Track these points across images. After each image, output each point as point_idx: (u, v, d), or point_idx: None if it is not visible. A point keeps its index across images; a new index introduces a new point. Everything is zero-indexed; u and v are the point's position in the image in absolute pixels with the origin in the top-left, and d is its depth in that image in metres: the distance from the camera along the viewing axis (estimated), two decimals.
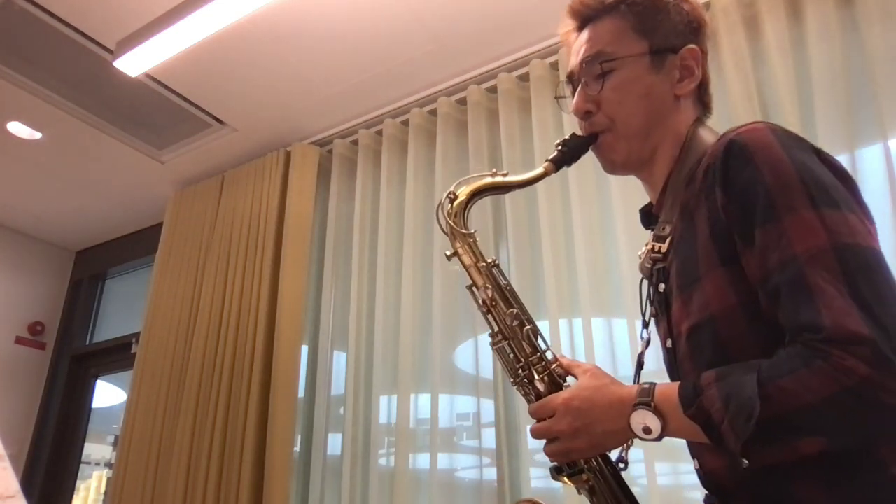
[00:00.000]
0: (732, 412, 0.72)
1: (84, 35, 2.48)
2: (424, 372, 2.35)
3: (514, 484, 2.08)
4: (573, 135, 1.04)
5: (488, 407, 2.19)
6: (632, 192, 2.02)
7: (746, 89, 1.94)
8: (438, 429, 2.24)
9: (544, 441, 0.92)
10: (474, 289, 1.03)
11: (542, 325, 2.14)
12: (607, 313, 2.04)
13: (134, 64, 2.45)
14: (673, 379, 0.94)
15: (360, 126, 2.88)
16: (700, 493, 0.96)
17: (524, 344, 0.99)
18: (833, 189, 0.78)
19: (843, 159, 1.74)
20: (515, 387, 1.00)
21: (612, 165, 1.04)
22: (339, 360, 2.65)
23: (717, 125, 1.05)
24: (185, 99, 2.82)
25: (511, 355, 1.00)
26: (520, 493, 2.04)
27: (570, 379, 0.97)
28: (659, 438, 0.81)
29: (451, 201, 1.04)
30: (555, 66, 2.39)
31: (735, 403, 0.72)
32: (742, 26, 2.02)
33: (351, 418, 2.43)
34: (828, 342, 0.69)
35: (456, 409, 2.33)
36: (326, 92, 2.75)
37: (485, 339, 2.29)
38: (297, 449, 2.63)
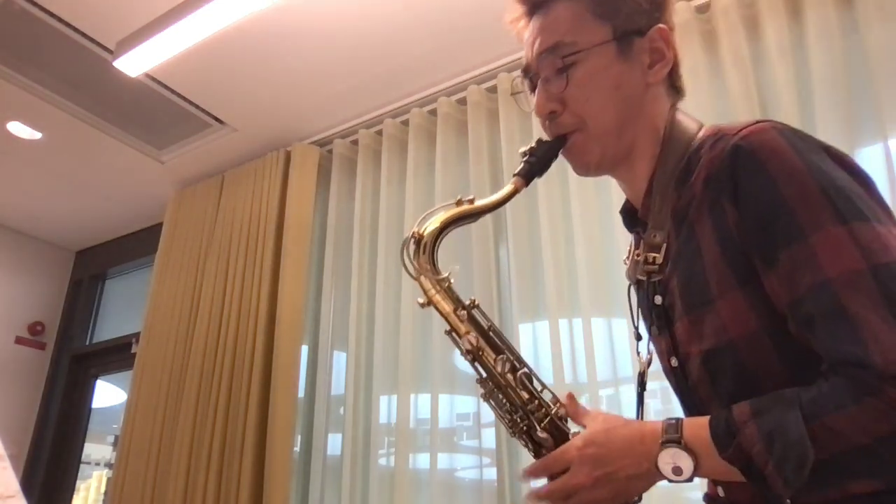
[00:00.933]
0: (778, 456, 0.66)
1: (84, 35, 2.48)
2: (424, 372, 2.35)
3: (514, 484, 2.08)
4: (539, 141, 0.93)
5: (488, 407, 2.19)
6: None
7: (746, 89, 1.94)
8: (438, 429, 2.24)
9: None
10: (455, 335, 0.92)
11: (542, 325, 2.15)
12: (607, 313, 2.04)
13: (134, 64, 2.45)
14: (683, 401, 0.90)
15: (360, 126, 2.88)
16: (699, 491, 0.96)
17: (519, 391, 0.89)
18: (856, 197, 0.71)
19: None
20: (515, 438, 0.91)
21: (586, 168, 0.94)
22: (339, 360, 2.65)
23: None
24: (185, 99, 2.82)
25: (507, 404, 0.90)
26: (520, 493, 2.04)
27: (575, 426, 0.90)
28: (690, 479, 0.73)
29: (417, 241, 0.92)
30: None
31: (780, 446, 0.66)
32: (742, 26, 2.02)
33: (351, 418, 2.43)
34: (878, 377, 0.63)
35: (456, 409, 2.33)
36: (326, 92, 2.75)
37: None
38: (297, 449, 2.63)
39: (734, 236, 0.76)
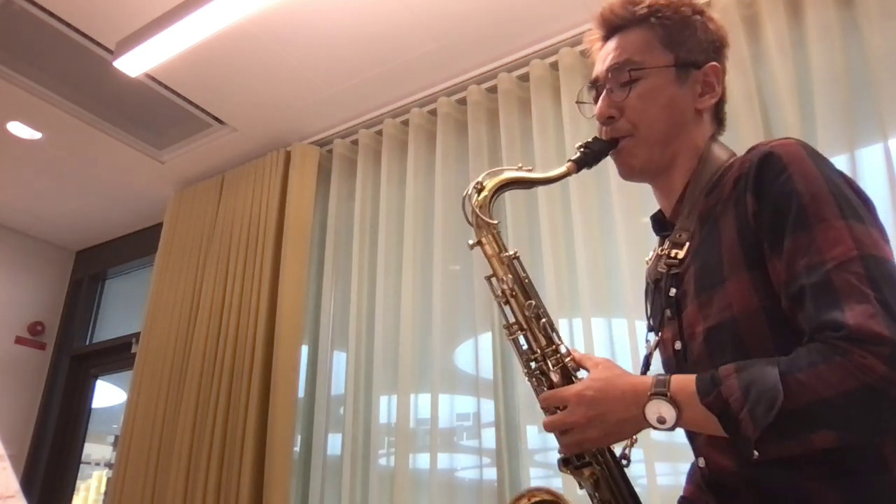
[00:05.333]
0: (753, 400, 0.74)
1: (84, 35, 2.48)
2: (424, 372, 2.35)
3: (514, 484, 2.08)
4: (595, 138, 1.06)
5: (488, 407, 2.19)
6: (632, 193, 2.02)
7: (746, 89, 1.94)
8: (438, 429, 2.24)
9: (548, 437, 0.93)
10: (493, 279, 1.05)
11: None
12: (607, 313, 2.04)
13: (134, 64, 2.45)
14: None
15: (360, 126, 2.88)
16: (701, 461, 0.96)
17: (540, 335, 1.00)
18: (859, 206, 0.82)
19: (843, 159, 1.75)
20: (528, 378, 1.01)
21: (631, 171, 1.06)
22: (339, 360, 2.65)
23: None
24: (185, 99, 2.82)
25: (526, 346, 1.01)
26: None
27: (583, 373, 0.98)
28: (672, 428, 0.82)
29: (479, 191, 1.06)
30: (555, 67, 2.39)
31: (756, 392, 0.74)
32: (742, 26, 2.02)
33: (351, 418, 2.43)
34: (848, 340, 0.71)
35: (456, 409, 2.33)
36: (326, 92, 2.75)
37: (485, 339, 2.31)
38: (297, 449, 2.63)
39: (751, 224, 0.86)
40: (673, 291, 0.96)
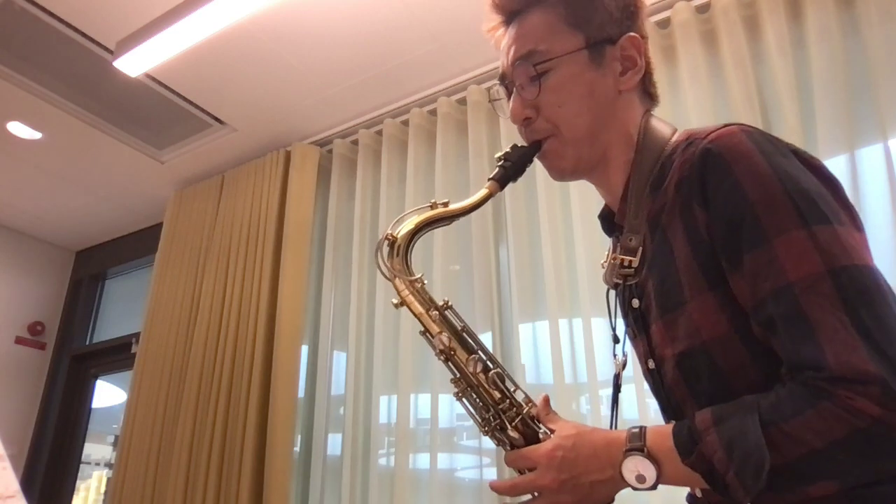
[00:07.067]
0: (738, 463, 0.67)
1: (84, 35, 2.48)
2: (424, 372, 2.34)
3: None
4: (514, 146, 0.95)
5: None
6: None
7: (746, 89, 1.94)
8: (438, 429, 2.24)
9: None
10: (429, 336, 0.94)
11: (542, 325, 2.15)
12: (607, 313, 2.03)
13: (134, 64, 2.45)
14: (661, 403, 0.91)
15: (360, 126, 2.88)
16: (698, 491, 0.96)
17: (491, 390, 0.90)
18: (821, 199, 0.73)
19: (843, 159, 1.75)
20: (488, 436, 0.92)
21: (561, 173, 0.96)
22: (339, 360, 2.65)
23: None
24: (185, 99, 2.82)
25: (479, 403, 0.91)
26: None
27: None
28: (653, 487, 0.74)
29: (391, 244, 0.95)
30: None
31: (740, 453, 0.67)
32: (742, 26, 2.02)
33: (351, 418, 2.43)
34: (832, 381, 0.65)
35: (456, 409, 2.33)
36: (326, 92, 2.75)
37: (485, 339, 2.29)
38: (297, 449, 2.62)
39: (704, 239, 0.77)
40: (636, 303, 0.88)
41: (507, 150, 0.95)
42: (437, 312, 0.94)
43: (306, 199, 2.90)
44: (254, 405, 2.57)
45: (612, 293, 1.00)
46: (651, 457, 0.74)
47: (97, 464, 4.01)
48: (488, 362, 0.91)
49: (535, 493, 0.83)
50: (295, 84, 2.70)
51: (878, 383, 0.62)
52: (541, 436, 0.87)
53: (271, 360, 2.64)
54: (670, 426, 0.75)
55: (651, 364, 0.88)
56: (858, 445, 0.64)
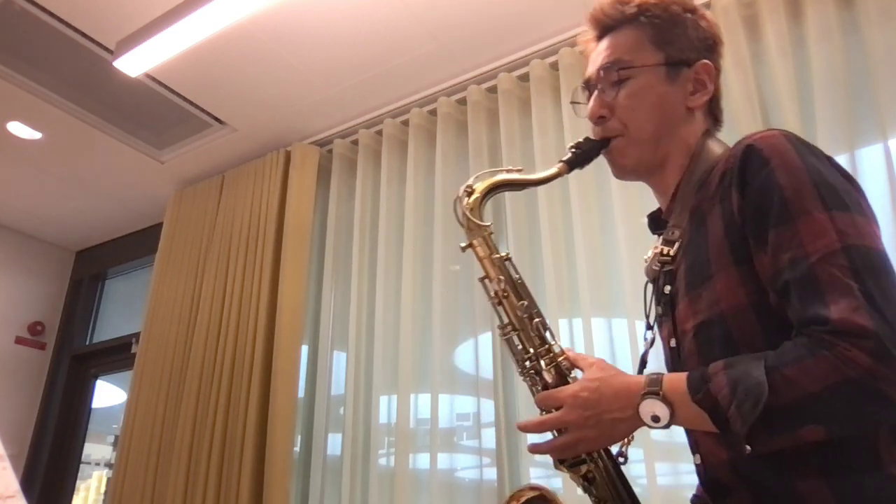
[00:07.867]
0: (740, 397, 0.75)
1: (84, 35, 2.48)
2: (424, 372, 2.35)
3: (514, 484, 2.08)
4: (587, 138, 1.06)
5: (488, 407, 2.19)
6: (632, 193, 2.02)
7: (746, 89, 1.94)
8: (438, 429, 2.24)
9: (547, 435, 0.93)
10: (487, 280, 1.05)
11: None
12: (607, 313, 2.04)
13: (134, 64, 2.45)
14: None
15: (360, 126, 2.88)
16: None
17: (533, 336, 1.01)
18: (844, 192, 0.82)
19: (843, 159, 1.75)
20: (522, 377, 1.02)
21: (623, 170, 1.07)
22: (339, 360, 2.65)
23: None
24: (185, 99, 2.82)
25: (520, 346, 1.01)
26: None
27: (577, 373, 0.99)
28: (667, 426, 0.83)
29: (469, 195, 1.07)
30: (555, 67, 2.39)
31: (742, 388, 0.75)
32: (742, 26, 2.02)
33: (351, 418, 2.43)
34: (833, 334, 0.72)
35: (456, 409, 2.33)
36: (326, 92, 2.75)
37: (485, 339, 2.31)
38: (297, 449, 2.62)
39: (737, 219, 0.86)
40: (668, 289, 0.97)
41: (580, 140, 1.06)
42: (498, 257, 1.05)
43: (306, 199, 2.90)
44: (254, 405, 2.57)
45: (650, 287, 1.07)
46: (666, 400, 0.82)
47: (97, 464, 4.01)
48: (534, 312, 1.02)
49: (561, 430, 0.91)
50: (295, 84, 2.70)
51: (873, 338, 0.70)
52: (569, 380, 0.97)
53: (271, 359, 2.63)
54: (686, 373, 0.83)
55: (673, 343, 0.96)
56: (848, 393, 0.71)
